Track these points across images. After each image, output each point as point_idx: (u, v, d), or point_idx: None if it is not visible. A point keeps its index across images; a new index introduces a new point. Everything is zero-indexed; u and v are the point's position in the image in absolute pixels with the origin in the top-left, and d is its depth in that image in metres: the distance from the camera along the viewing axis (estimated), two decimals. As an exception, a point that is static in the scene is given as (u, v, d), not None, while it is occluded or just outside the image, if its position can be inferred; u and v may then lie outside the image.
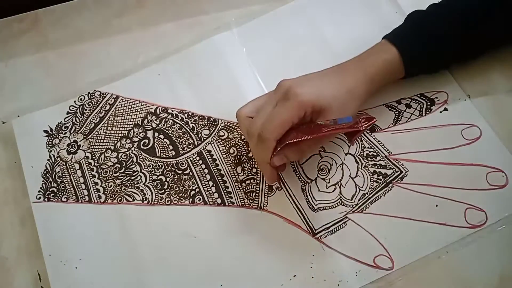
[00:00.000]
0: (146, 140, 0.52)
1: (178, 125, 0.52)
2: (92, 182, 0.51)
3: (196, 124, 0.52)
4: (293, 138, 0.40)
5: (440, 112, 0.48)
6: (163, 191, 0.49)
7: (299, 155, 0.44)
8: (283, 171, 0.47)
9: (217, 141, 0.51)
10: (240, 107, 0.45)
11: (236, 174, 0.49)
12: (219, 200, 0.48)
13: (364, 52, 0.46)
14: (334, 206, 0.46)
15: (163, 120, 0.53)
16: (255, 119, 0.42)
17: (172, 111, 0.53)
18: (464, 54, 0.47)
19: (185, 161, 0.50)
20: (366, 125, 0.39)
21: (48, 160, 0.52)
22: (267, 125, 0.41)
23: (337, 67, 0.45)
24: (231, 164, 0.49)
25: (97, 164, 0.52)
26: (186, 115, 0.53)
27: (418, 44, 0.45)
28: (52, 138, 0.53)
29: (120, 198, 0.50)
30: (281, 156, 0.42)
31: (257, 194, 0.48)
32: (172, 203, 0.49)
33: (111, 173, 0.51)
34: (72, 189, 0.51)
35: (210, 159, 0.50)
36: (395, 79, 0.46)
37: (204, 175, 0.49)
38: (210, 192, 0.49)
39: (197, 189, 0.49)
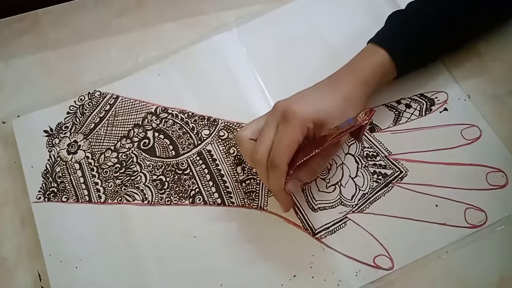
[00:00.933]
0: (146, 140, 0.52)
1: (178, 125, 0.52)
2: (92, 182, 0.51)
3: (196, 124, 0.52)
4: (302, 157, 0.39)
5: (440, 112, 0.48)
6: (163, 191, 0.49)
7: (311, 175, 0.44)
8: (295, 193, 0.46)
9: (217, 141, 0.51)
10: (240, 130, 0.44)
11: (236, 174, 0.49)
12: (219, 200, 0.48)
13: (352, 59, 0.46)
14: (334, 206, 0.46)
15: (163, 120, 0.53)
16: (259, 145, 0.41)
17: (172, 111, 0.53)
18: (450, 43, 0.47)
19: (185, 161, 0.50)
20: (367, 118, 0.38)
21: (48, 160, 0.52)
22: (276, 150, 0.40)
23: (329, 78, 0.45)
24: (231, 164, 0.49)
25: (97, 164, 0.52)
26: (186, 115, 0.53)
27: (405, 42, 0.45)
28: (52, 138, 0.53)
29: (120, 198, 0.50)
30: (295, 180, 0.42)
31: (257, 194, 0.48)
32: (172, 203, 0.49)
33: (111, 173, 0.51)
34: (72, 189, 0.51)
35: (210, 159, 0.50)
36: (388, 80, 0.47)
37: (204, 175, 0.49)
38: (210, 192, 0.49)
39: (197, 189, 0.49)
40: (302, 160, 0.40)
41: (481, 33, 0.49)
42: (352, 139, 0.48)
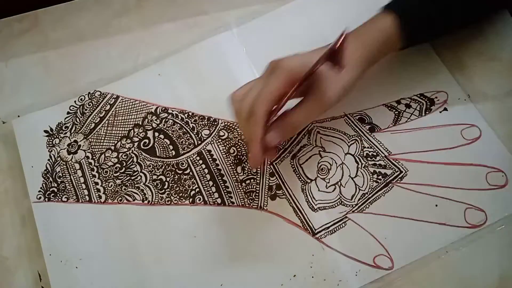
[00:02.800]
0: (146, 140, 0.52)
1: (178, 125, 0.52)
2: (93, 182, 0.51)
3: (196, 124, 0.52)
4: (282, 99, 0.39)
5: (440, 112, 0.48)
6: (163, 191, 0.49)
7: (291, 129, 0.43)
8: (273, 157, 0.47)
9: (217, 141, 0.51)
10: (235, 90, 0.44)
11: (236, 174, 0.49)
12: (219, 200, 0.48)
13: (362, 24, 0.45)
14: (334, 206, 0.46)
15: (163, 120, 0.53)
16: (244, 98, 0.42)
17: (172, 111, 0.53)
18: (463, 17, 0.46)
19: (185, 161, 0.50)
20: (339, 41, 0.36)
21: (49, 160, 0.52)
22: (257, 98, 0.40)
23: None
24: (231, 164, 0.49)
25: (98, 164, 0.52)
26: (186, 115, 0.53)
27: (417, 8, 0.44)
28: (53, 138, 0.53)
29: (120, 198, 0.50)
30: (274, 132, 0.41)
31: (257, 194, 0.48)
32: (172, 203, 0.49)
33: (111, 173, 0.51)
34: (72, 189, 0.51)
35: (210, 159, 0.50)
36: (394, 47, 0.45)
37: (204, 175, 0.49)
38: (210, 192, 0.49)
39: (197, 189, 0.49)
40: (280, 105, 0.39)
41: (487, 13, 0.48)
42: (353, 139, 0.48)
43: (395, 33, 0.44)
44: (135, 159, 0.51)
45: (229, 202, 0.48)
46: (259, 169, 0.48)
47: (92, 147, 0.53)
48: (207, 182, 0.49)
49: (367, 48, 0.43)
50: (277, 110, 0.41)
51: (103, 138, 0.53)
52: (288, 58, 0.41)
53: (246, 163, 0.49)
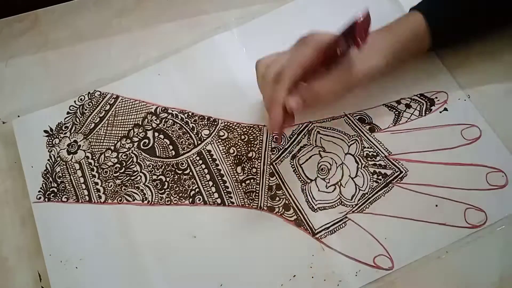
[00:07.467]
0: (146, 140, 0.52)
1: (178, 125, 0.52)
2: (92, 182, 0.51)
3: (196, 124, 0.52)
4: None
5: (440, 112, 0.48)
6: (163, 191, 0.49)
7: (315, 98, 0.43)
8: (291, 125, 0.47)
9: (217, 141, 0.51)
10: (261, 57, 0.46)
11: (236, 174, 0.49)
12: (219, 200, 0.48)
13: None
14: (334, 206, 0.46)
15: (163, 120, 0.53)
16: (271, 65, 0.43)
17: (172, 111, 0.53)
18: (487, 17, 0.47)
19: (185, 161, 0.50)
20: (362, 18, 0.39)
21: (48, 160, 0.52)
22: (286, 64, 0.42)
23: None
24: (231, 164, 0.49)
25: (97, 164, 0.52)
26: (186, 115, 0.53)
27: (440, 6, 0.45)
28: (52, 138, 0.53)
29: (120, 198, 0.50)
30: (297, 97, 0.41)
31: (257, 194, 0.48)
32: (172, 203, 0.49)
33: (111, 173, 0.51)
34: (72, 189, 0.51)
35: (210, 159, 0.50)
36: (421, 46, 0.46)
37: (204, 175, 0.49)
38: (210, 192, 0.49)
39: (197, 189, 0.49)
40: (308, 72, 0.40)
41: None
42: (353, 139, 0.48)
43: (423, 31, 0.45)
44: (135, 159, 0.51)
45: (229, 202, 0.48)
46: (275, 141, 0.49)
47: (92, 147, 0.53)
48: (206, 182, 0.49)
49: (394, 39, 0.44)
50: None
51: (103, 138, 0.53)
52: (318, 32, 0.43)
53: (246, 163, 0.49)
